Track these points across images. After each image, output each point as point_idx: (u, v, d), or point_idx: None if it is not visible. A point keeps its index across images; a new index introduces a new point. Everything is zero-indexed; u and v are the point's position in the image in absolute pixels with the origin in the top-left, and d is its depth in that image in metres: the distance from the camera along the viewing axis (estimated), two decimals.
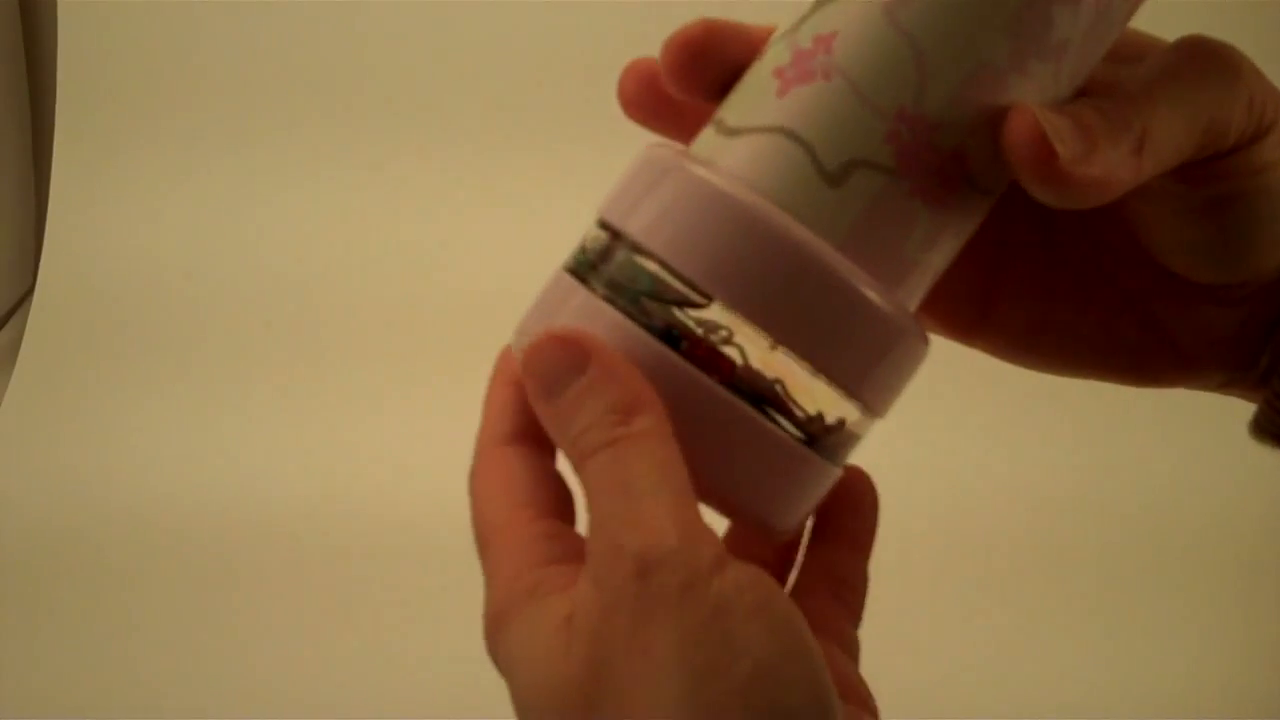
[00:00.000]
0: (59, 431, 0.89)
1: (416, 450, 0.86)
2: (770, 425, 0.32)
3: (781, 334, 0.31)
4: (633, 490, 0.30)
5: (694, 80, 0.35)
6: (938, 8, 0.31)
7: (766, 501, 0.33)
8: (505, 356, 0.35)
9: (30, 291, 0.94)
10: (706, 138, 0.34)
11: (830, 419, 0.33)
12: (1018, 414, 0.87)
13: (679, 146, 0.34)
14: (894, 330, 0.32)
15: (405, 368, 0.89)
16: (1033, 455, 0.87)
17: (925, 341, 0.34)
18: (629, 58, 0.36)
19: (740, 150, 0.33)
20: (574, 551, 0.32)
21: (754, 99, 0.33)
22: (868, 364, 0.32)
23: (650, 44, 0.35)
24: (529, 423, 0.34)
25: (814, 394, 0.32)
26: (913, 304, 0.33)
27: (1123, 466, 0.87)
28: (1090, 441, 0.88)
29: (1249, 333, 0.37)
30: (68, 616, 0.81)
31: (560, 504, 0.34)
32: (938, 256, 0.33)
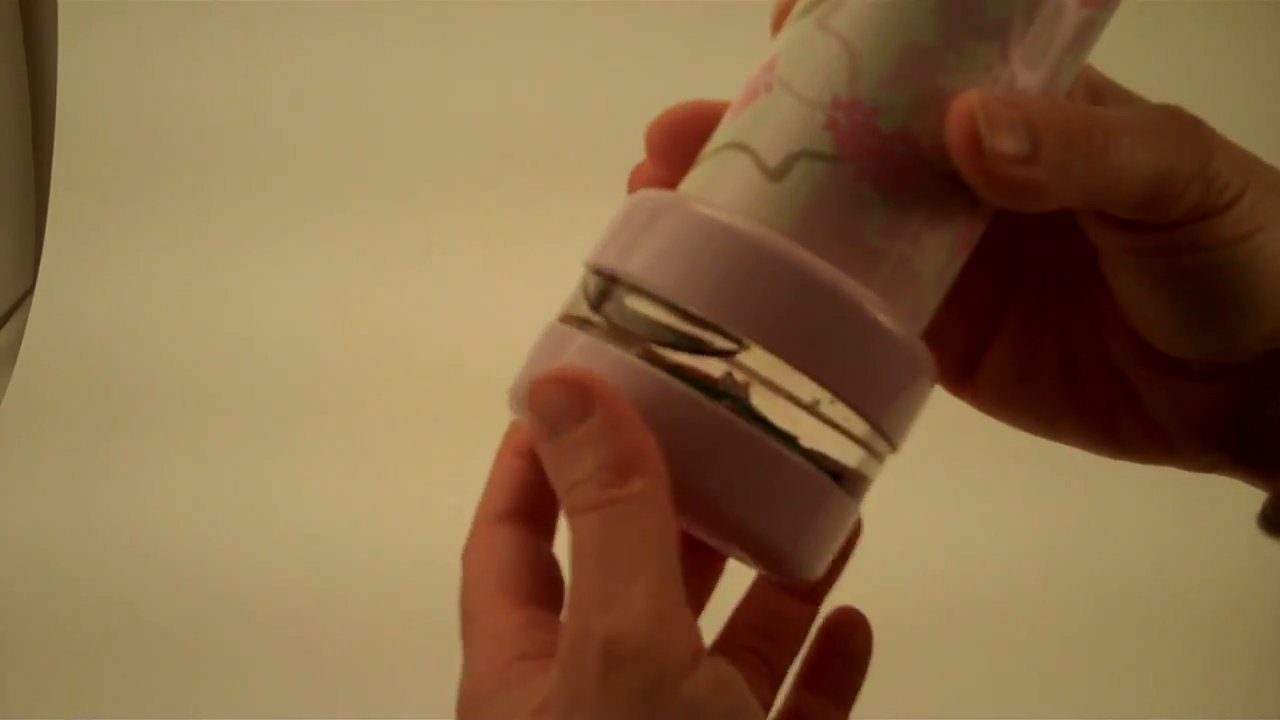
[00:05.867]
0: (55, 447, 0.89)
1: (403, 506, 0.85)
2: (797, 458, 0.31)
3: (803, 361, 0.30)
4: (613, 564, 0.28)
5: (678, 159, 0.35)
6: (865, 4, 0.32)
7: (793, 541, 0.31)
8: (514, 429, 0.35)
9: (30, 291, 0.94)
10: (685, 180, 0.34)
11: (851, 454, 0.32)
12: (1011, 485, 0.87)
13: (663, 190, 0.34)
14: (906, 352, 0.32)
15: (397, 428, 0.89)
16: (1026, 529, 0.87)
17: (934, 370, 0.33)
18: (625, 127, 0.37)
19: (698, 174, 0.33)
20: (553, 645, 0.30)
21: (716, 133, 0.34)
22: (884, 389, 0.32)
23: (645, 113, 0.36)
24: (527, 499, 0.33)
25: (831, 427, 0.31)
26: (914, 315, 0.33)
27: (1118, 541, 0.87)
28: (1085, 516, 0.87)
29: (1226, 413, 0.36)
30: (59, 625, 0.81)
31: (547, 589, 0.33)
32: (915, 250, 0.32)
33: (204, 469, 0.88)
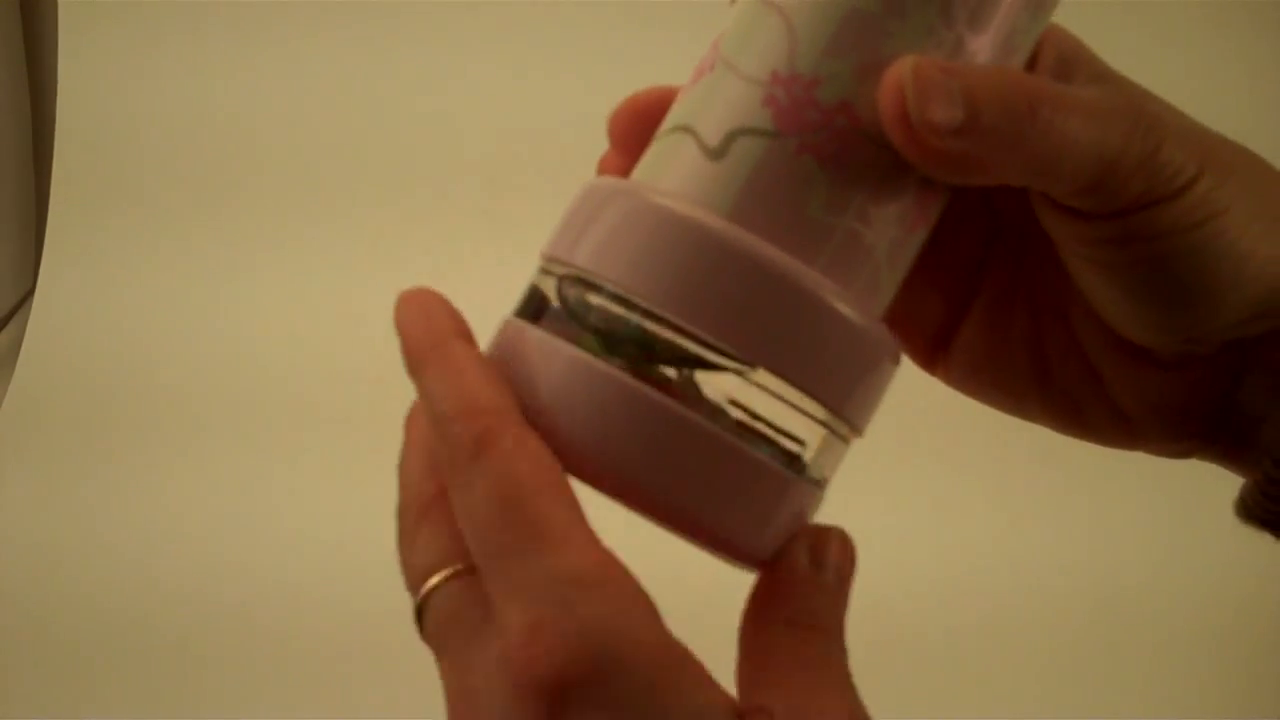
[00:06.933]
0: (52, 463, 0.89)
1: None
2: (751, 450, 0.30)
3: (751, 350, 0.30)
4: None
5: (640, 146, 0.34)
6: None
7: (750, 536, 0.31)
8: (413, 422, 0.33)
9: (31, 292, 0.94)
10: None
11: (812, 439, 0.31)
12: (1010, 490, 0.87)
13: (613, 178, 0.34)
14: (857, 332, 0.31)
15: (397, 434, 0.88)
16: (1026, 533, 0.86)
17: (895, 351, 0.32)
18: (589, 140, 0.36)
19: (648, 158, 0.33)
20: None
21: (667, 116, 0.33)
22: (837, 372, 0.30)
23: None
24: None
25: (791, 413, 0.30)
26: (870, 293, 0.31)
27: (1117, 545, 0.86)
28: (1084, 521, 0.87)
29: (1193, 402, 0.35)
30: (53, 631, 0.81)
31: None
32: (864, 225, 0.31)
33: (204, 471, 0.88)
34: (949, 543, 0.85)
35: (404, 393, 0.30)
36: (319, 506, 0.86)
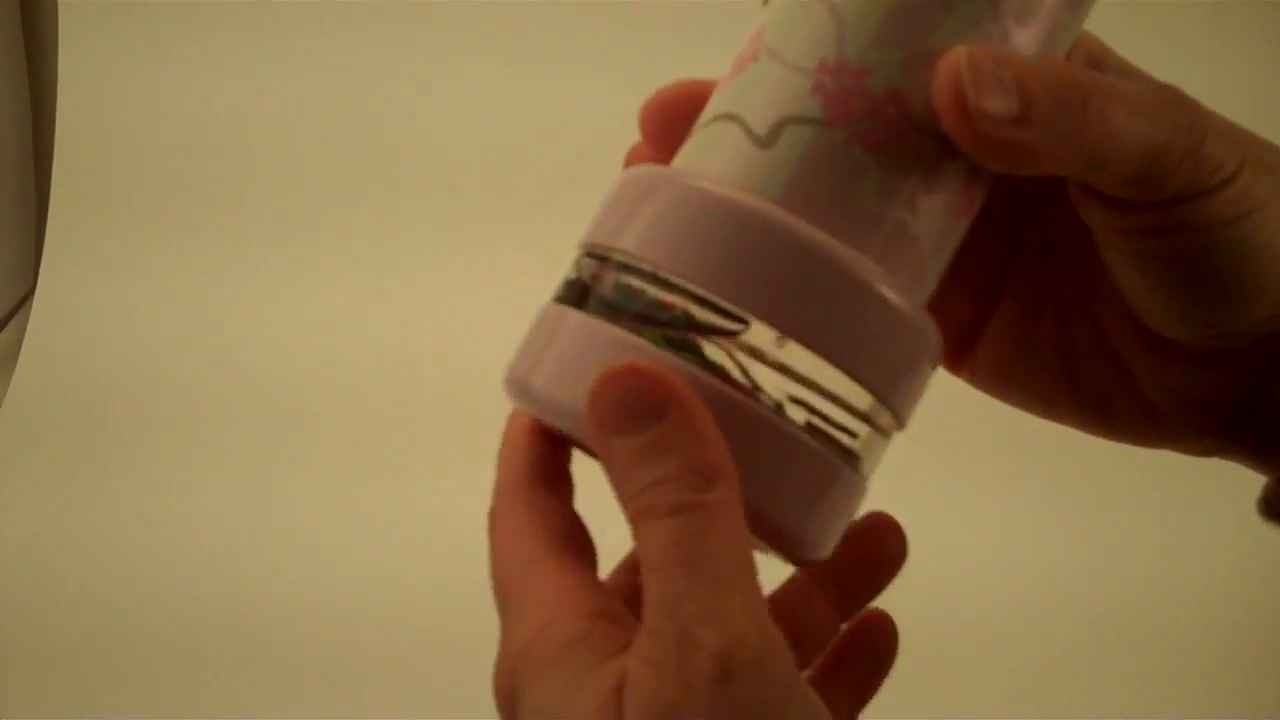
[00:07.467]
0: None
1: (402, 516, 0.85)
2: (800, 434, 0.30)
3: (803, 334, 0.30)
4: (706, 573, 0.27)
5: (672, 138, 0.34)
6: None
7: (801, 520, 0.30)
8: (516, 416, 0.33)
9: (31, 292, 0.94)
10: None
11: (857, 430, 0.31)
12: (1012, 495, 0.86)
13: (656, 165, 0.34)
14: (907, 322, 0.31)
15: (397, 437, 0.88)
16: (1027, 538, 0.86)
17: (939, 344, 0.32)
18: (624, 141, 0.36)
19: (690, 147, 0.33)
20: (617, 610, 0.29)
21: (707, 106, 0.33)
22: (886, 360, 0.31)
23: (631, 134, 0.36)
24: (550, 468, 0.32)
25: (835, 402, 0.30)
26: (916, 282, 0.32)
27: (1119, 549, 0.86)
28: (1086, 525, 0.86)
29: (1223, 398, 0.35)
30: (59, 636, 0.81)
31: (591, 555, 0.31)
32: (912, 214, 0.31)
33: (203, 472, 0.88)
34: (951, 546, 0.85)
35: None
36: (319, 509, 0.86)
